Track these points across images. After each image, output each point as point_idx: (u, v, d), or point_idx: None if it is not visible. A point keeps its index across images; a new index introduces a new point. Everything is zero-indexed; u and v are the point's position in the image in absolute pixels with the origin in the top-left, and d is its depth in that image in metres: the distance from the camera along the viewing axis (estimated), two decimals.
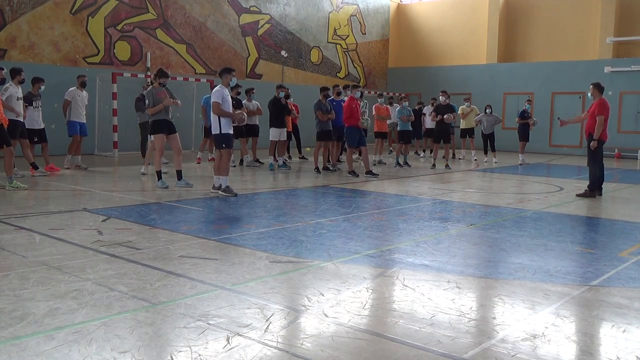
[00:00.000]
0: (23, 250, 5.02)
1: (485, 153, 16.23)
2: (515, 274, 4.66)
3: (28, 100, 10.59)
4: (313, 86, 19.90)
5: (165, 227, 6.15)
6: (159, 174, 9.24)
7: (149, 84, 13.32)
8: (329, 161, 12.78)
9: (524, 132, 15.33)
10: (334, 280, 4.36)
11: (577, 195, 9.43)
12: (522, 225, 6.88)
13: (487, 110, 15.94)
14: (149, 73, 15.85)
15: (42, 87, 10.92)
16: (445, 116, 13.76)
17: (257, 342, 3.14)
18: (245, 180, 11.08)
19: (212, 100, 8.37)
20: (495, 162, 15.76)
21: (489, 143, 16.10)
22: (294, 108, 14.71)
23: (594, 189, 9.38)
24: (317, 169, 12.33)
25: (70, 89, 11.71)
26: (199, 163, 13.19)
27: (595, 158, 9.39)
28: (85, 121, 11.88)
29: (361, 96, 15.18)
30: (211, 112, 8.45)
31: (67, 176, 10.59)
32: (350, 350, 3.08)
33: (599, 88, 9.33)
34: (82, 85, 11.76)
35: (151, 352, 2.99)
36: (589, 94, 9.45)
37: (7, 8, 13.72)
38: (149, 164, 11.60)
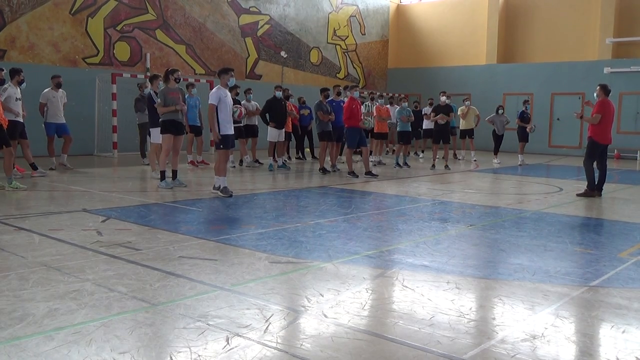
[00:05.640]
0: (22, 250, 5.02)
1: (495, 153, 16.16)
2: (515, 275, 4.66)
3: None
4: (313, 87, 19.91)
5: (165, 228, 6.14)
6: (163, 175, 9.26)
7: (145, 85, 13.31)
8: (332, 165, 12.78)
9: (523, 133, 15.34)
10: (334, 281, 4.36)
11: (578, 195, 9.46)
12: (522, 225, 6.88)
13: (499, 111, 15.91)
14: (148, 74, 15.84)
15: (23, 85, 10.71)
16: (438, 117, 13.77)
17: (257, 343, 3.14)
18: (244, 180, 11.08)
19: (209, 102, 8.38)
20: (499, 163, 15.75)
21: (500, 144, 16.06)
22: (293, 109, 14.72)
23: (593, 188, 9.41)
24: (322, 169, 12.28)
25: (44, 91, 11.43)
26: (198, 165, 13.15)
27: (591, 158, 9.45)
28: (63, 121, 11.55)
29: (372, 99, 15.24)
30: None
31: (66, 177, 10.58)
32: (350, 351, 3.08)
33: (604, 90, 9.37)
34: (57, 86, 11.47)
35: (151, 352, 2.99)
36: (595, 95, 9.49)
37: (6, 9, 13.72)
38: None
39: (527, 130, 15.21)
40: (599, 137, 9.29)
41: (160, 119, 9.24)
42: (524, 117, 15.20)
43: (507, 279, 4.55)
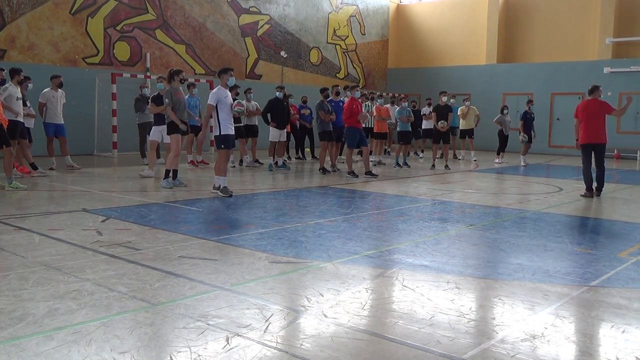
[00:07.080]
0: (22, 250, 5.02)
1: (498, 154, 16.14)
2: (515, 275, 4.66)
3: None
4: (313, 87, 19.91)
5: (165, 228, 6.14)
6: (168, 173, 9.26)
7: (145, 85, 13.34)
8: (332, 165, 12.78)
9: (525, 134, 15.30)
10: (334, 281, 4.36)
11: (582, 196, 9.45)
12: (522, 225, 6.88)
13: (505, 111, 15.89)
14: (148, 73, 15.85)
15: (30, 85, 10.80)
16: (439, 124, 13.76)
17: (257, 343, 3.14)
18: (244, 180, 11.08)
19: (208, 102, 8.40)
20: (499, 163, 15.75)
21: (505, 144, 16.05)
22: (292, 109, 14.72)
23: (590, 190, 9.44)
24: (322, 169, 12.27)
25: (44, 91, 11.38)
26: (198, 164, 13.14)
27: (583, 159, 9.57)
28: (62, 122, 11.50)
29: (372, 99, 15.24)
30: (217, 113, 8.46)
31: (66, 177, 10.58)
32: (350, 351, 3.08)
33: (589, 89, 9.67)
34: (59, 86, 11.43)
35: (150, 352, 2.99)
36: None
37: (6, 8, 13.72)
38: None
39: (520, 139, 15.25)
40: (580, 137, 9.47)
41: (167, 120, 9.24)
42: (527, 118, 15.16)
43: (507, 279, 4.55)
